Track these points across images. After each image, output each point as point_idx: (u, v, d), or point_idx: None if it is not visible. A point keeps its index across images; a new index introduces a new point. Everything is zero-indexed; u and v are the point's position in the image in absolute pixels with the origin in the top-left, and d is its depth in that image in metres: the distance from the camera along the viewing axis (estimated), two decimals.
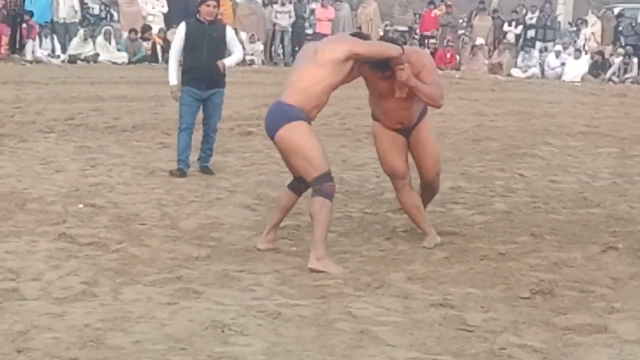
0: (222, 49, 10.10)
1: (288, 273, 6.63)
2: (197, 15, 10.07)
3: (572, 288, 6.42)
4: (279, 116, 6.85)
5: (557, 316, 5.82)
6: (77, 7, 24.53)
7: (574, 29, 28.81)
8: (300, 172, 6.97)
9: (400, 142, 7.48)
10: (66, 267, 6.52)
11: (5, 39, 22.98)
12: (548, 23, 27.95)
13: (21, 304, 5.68)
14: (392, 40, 7.61)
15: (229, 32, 10.27)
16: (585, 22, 28.60)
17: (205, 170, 10.18)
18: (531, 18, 28.38)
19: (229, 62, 10.10)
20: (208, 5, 9.93)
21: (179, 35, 10.06)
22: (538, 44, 27.39)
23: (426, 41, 26.93)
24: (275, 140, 6.93)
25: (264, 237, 7.31)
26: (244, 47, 25.35)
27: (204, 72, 9.87)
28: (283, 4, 27.56)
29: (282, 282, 6.40)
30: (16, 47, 23.44)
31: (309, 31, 27.78)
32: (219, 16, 26.53)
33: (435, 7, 28.25)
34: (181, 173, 9.95)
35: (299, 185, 7.19)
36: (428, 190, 7.87)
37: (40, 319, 5.41)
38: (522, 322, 5.68)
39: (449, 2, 29.13)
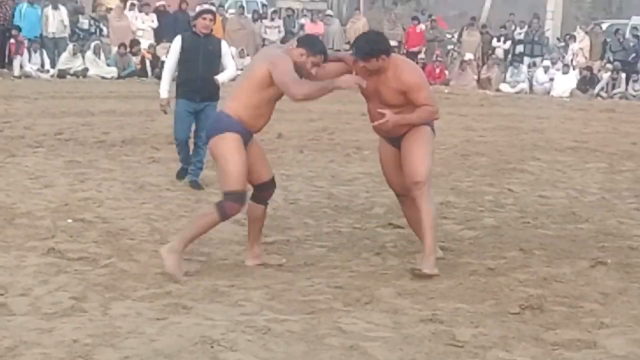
0: (217, 62, 10.15)
1: (277, 288, 6.63)
2: (193, 29, 10.14)
3: (562, 303, 6.42)
4: (215, 125, 6.96)
5: (546, 331, 5.82)
6: (67, 21, 24.51)
7: (562, 44, 28.91)
8: (219, 182, 7.02)
9: (397, 157, 7.35)
10: (55, 282, 6.50)
11: None
12: (536, 38, 28.04)
13: (10, 320, 5.66)
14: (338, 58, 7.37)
15: (224, 46, 10.31)
16: (574, 37, 28.71)
17: (195, 184, 10.19)
18: (520, 33, 28.47)
19: (222, 78, 10.14)
20: (204, 19, 10.01)
21: (174, 49, 10.09)
22: (526, 60, 27.46)
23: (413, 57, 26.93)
24: (209, 147, 7.05)
25: (249, 253, 7.33)
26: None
27: (199, 85, 9.92)
28: (272, 19, 27.64)
29: (272, 298, 6.39)
30: (5, 62, 23.40)
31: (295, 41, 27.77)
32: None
33: (419, 23, 28.30)
34: (182, 176, 10.30)
35: (260, 194, 7.21)
36: (418, 209, 7.26)
37: (29, 335, 5.40)
38: (511, 337, 5.68)
39: (434, 17, 29.26)
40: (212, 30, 10.19)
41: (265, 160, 7.28)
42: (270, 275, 7.03)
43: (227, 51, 10.37)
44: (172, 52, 10.18)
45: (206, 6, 10.25)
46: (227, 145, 6.80)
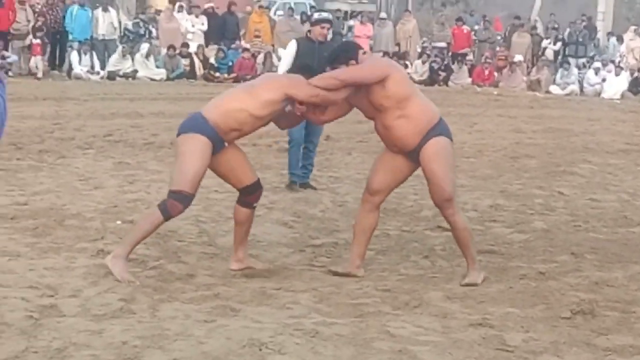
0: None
1: (325, 291, 6.60)
2: (308, 34, 10.16)
3: (614, 308, 6.34)
4: (188, 123, 6.79)
5: (598, 337, 5.75)
6: (116, 24, 24.71)
7: (614, 45, 28.63)
8: (171, 177, 6.88)
9: (396, 162, 7.08)
10: (104, 283, 6.52)
11: (45, 56, 23.19)
12: (580, 39, 27.76)
13: (60, 321, 5.68)
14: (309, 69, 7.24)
15: None
16: (621, 38, 28.41)
17: (307, 185, 10.46)
18: (570, 35, 28.23)
19: None
20: (323, 28, 9.98)
21: (289, 52, 10.18)
22: (572, 60, 27.21)
23: (459, 58, 26.74)
24: (175, 141, 6.96)
25: (233, 256, 7.12)
26: None
27: None
28: None
29: (320, 300, 6.37)
30: (56, 64, 23.63)
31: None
32: (257, 32, 26.71)
33: (464, 24, 28.11)
34: (294, 185, 10.30)
35: (245, 198, 7.05)
36: (452, 229, 7.16)
37: (78, 336, 5.41)
38: (562, 342, 5.61)
39: (488, 18, 29.06)
40: (326, 37, 10.12)
41: (247, 163, 7.04)
42: (318, 277, 7.01)
43: None
44: (286, 56, 10.26)
45: (325, 14, 10.22)
46: (194, 146, 6.65)
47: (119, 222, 8.36)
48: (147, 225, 6.76)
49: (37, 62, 22.33)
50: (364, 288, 6.72)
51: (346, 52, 7.12)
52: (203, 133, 6.66)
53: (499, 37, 29.27)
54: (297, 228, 8.59)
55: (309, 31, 10.27)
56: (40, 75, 22.22)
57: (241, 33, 27.12)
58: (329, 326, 5.76)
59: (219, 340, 5.43)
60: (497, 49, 27.58)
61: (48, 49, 23.42)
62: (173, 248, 7.53)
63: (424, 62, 25.82)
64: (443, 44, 27.63)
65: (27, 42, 22.84)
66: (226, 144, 6.81)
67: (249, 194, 7.01)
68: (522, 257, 7.77)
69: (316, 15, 10.54)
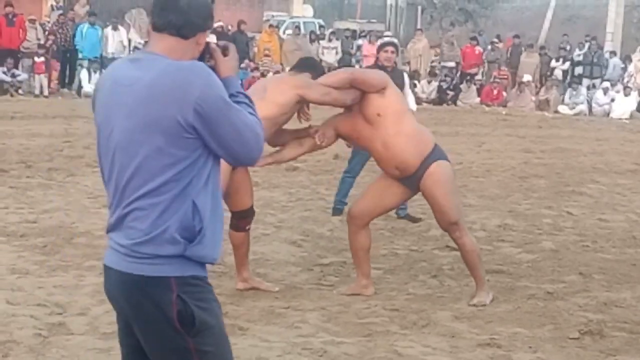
0: None
1: (334, 310, 6.61)
2: (377, 61, 9.75)
3: (622, 329, 6.33)
4: None
5: (606, 357, 5.76)
6: (126, 42, 24.80)
7: (623, 65, 28.63)
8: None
9: (389, 189, 7.03)
10: None
11: (55, 74, 23.29)
12: (595, 60, 27.79)
13: (68, 339, 5.71)
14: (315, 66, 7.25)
15: (406, 78, 10.16)
16: (630, 58, 28.42)
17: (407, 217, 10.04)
18: (579, 55, 28.25)
19: (412, 107, 9.90)
20: (386, 51, 9.59)
21: None
22: (586, 81, 27.24)
23: (467, 78, 26.73)
24: None
25: (237, 277, 7.15)
26: None
27: None
28: (330, 40, 27.70)
29: (328, 320, 6.37)
30: (65, 82, 23.72)
31: (357, 67, 27.88)
32: (267, 52, 26.70)
33: (478, 44, 28.14)
34: (339, 213, 9.89)
35: (237, 222, 7.04)
36: (460, 250, 7.15)
37: (87, 354, 5.44)
38: None
39: (495, 40, 29.08)
40: (395, 63, 9.86)
41: (250, 189, 7.04)
42: (326, 297, 7.01)
43: (408, 82, 10.22)
44: None
45: (387, 38, 9.83)
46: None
47: None
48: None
49: (42, 80, 22.39)
50: (372, 307, 6.72)
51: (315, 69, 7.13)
52: None
53: (500, 57, 29.24)
54: (305, 247, 8.60)
55: (377, 58, 9.85)
56: (46, 93, 22.27)
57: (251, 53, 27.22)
58: (337, 345, 5.78)
59: None
60: (502, 68, 27.55)
61: (58, 67, 23.45)
62: None
63: (429, 82, 25.82)
64: (452, 64, 27.65)
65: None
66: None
67: (242, 218, 7.03)
68: (530, 277, 7.77)
69: (380, 40, 10.21)
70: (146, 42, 25.19)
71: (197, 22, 3.32)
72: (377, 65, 9.70)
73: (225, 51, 3.44)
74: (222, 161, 6.44)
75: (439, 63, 28.17)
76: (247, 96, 3.37)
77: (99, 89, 3.41)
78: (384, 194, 7.06)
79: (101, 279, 6.87)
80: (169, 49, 3.29)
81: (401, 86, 9.62)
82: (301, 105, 6.83)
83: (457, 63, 27.58)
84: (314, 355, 5.55)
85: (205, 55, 3.41)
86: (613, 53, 29.63)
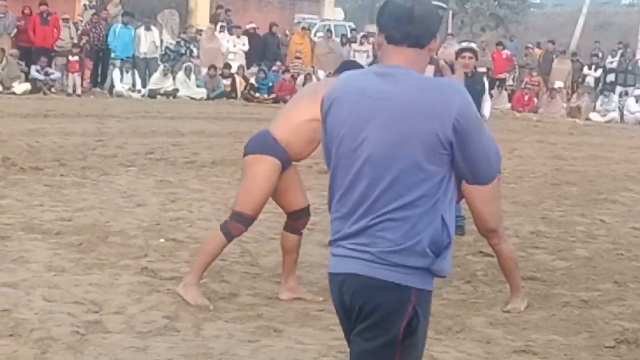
0: (480, 102, 9.69)
1: None
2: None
3: None
4: (258, 143, 6.61)
5: None
6: (158, 42, 24.90)
7: None
8: (236, 197, 6.81)
9: None
10: (148, 301, 6.57)
11: (87, 73, 23.42)
12: (629, 67, 27.66)
13: (105, 337, 5.73)
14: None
15: (486, 84, 10.09)
16: None
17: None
18: (611, 62, 28.13)
19: (487, 112, 9.92)
20: (463, 57, 9.33)
21: None
22: (618, 89, 27.12)
23: (497, 83, 26.60)
24: (243, 161, 6.75)
25: (282, 285, 7.02)
26: None
27: None
28: (362, 43, 27.69)
29: None
30: (98, 81, 23.84)
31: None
32: (298, 54, 26.83)
33: (504, 48, 28.03)
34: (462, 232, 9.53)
35: (292, 223, 6.96)
36: (497, 257, 7.13)
37: (124, 353, 5.47)
38: None
39: (530, 45, 28.96)
40: (475, 68, 9.76)
41: (301, 187, 6.97)
42: None
43: (487, 87, 10.14)
44: None
45: (465, 44, 9.70)
46: (263, 169, 6.53)
47: (162, 240, 8.41)
48: (212, 249, 6.71)
49: (75, 79, 22.52)
50: None
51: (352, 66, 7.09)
52: (274, 155, 6.54)
53: (531, 62, 29.13)
54: None
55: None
56: (79, 92, 22.41)
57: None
58: None
59: None
60: (533, 74, 27.44)
61: (91, 67, 23.58)
62: (216, 267, 7.55)
63: None
64: (483, 69, 27.57)
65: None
66: (292, 165, 6.74)
67: (297, 219, 6.94)
68: (565, 284, 7.74)
69: (457, 46, 10.12)
70: (177, 42, 25.36)
71: (433, 30, 3.41)
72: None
73: (452, 68, 3.55)
74: (268, 160, 6.44)
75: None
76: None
77: (337, 98, 3.45)
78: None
79: (136, 279, 7.00)
80: (411, 60, 3.38)
81: (481, 92, 9.59)
82: None
83: (488, 69, 27.51)
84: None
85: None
86: None
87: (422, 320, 3.34)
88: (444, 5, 4.03)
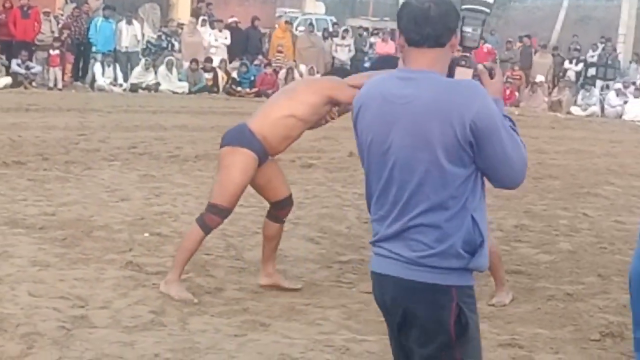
0: None
1: (354, 308, 6.62)
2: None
3: None
4: (235, 136, 6.66)
5: None
6: (140, 36, 24.83)
7: (635, 67, 28.63)
8: (212, 189, 6.87)
9: None
10: (134, 295, 6.56)
11: (69, 67, 23.33)
12: (609, 62, 27.78)
13: (91, 332, 5.73)
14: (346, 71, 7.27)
15: None
16: None
17: None
18: (592, 56, 28.23)
19: None
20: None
21: None
22: (598, 83, 27.22)
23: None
24: (219, 153, 6.82)
25: (262, 271, 7.08)
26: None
27: None
28: (343, 38, 27.68)
29: (349, 317, 6.39)
30: (79, 75, 23.76)
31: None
32: (280, 48, 26.74)
33: (485, 42, 28.06)
34: None
35: (276, 212, 7.02)
36: None
37: (110, 348, 5.46)
38: None
39: (510, 39, 29.02)
40: None
41: (283, 177, 7.04)
42: (346, 294, 7.02)
43: None
44: None
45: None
46: (239, 160, 6.57)
47: (146, 234, 8.40)
48: (190, 244, 6.72)
49: (56, 73, 22.44)
50: None
51: (387, 63, 7.13)
52: (250, 148, 6.59)
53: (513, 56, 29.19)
54: (323, 244, 8.61)
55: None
56: (60, 86, 22.33)
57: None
58: (359, 343, 5.79)
59: (250, 355, 5.47)
60: (515, 68, 27.50)
61: (72, 60, 23.49)
62: (201, 262, 7.55)
63: None
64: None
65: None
66: (270, 158, 6.80)
67: (281, 209, 7.00)
68: (549, 277, 7.77)
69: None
70: (158, 35, 25.26)
71: (451, 27, 3.45)
72: None
73: (491, 73, 3.58)
74: (244, 153, 6.49)
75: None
76: (511, 119, 3.46)
77: (364, 104, 3.49)
78: None
79: (121, 273, 6.99)
80: (432, 61, 3.41)
81: None
82: (330, 106, 6.84)
83: None
84: (337, 353, 5.57)
85: (452, 70, 3.55)
86: (635, 55, 29.58)
87: (470, 315, 3.39)
88: (487, 10, 4.10)
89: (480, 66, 3.60)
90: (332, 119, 7.06)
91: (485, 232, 3.42)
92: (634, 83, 26.75)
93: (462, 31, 3.91)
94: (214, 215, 6.65)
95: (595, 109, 26.02)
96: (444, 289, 3.36)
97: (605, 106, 26.25)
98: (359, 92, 3.57)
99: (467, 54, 3.89)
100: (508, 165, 3.37)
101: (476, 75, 3.59)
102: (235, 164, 6.59)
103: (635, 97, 25.83)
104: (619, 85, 26.57)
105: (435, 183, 3.32)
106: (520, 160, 3.40)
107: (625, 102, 25.98)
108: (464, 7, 4.04)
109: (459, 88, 3.35)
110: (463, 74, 3.60)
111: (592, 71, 27.78)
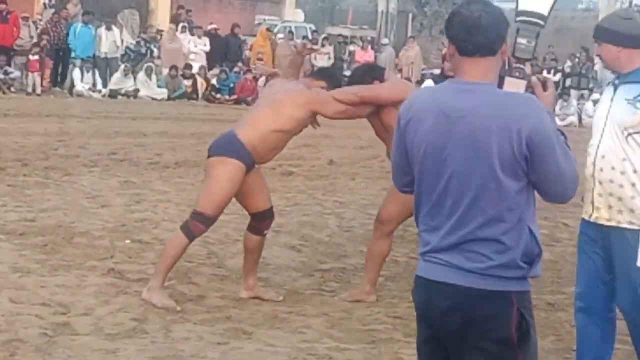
0: None
1: (336, 316, 6.62)
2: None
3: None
4: (223, 145, 6.67)
5: None
6: (119, 42, 24.78)
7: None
8: (197, 196, 6.87)
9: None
10: (116, 302, 6.54)
11: (48, 72, 23.25)
12: (583, 71, 27.93)
13: (73, 339, 5.70)
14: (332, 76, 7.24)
15: None
16: None
17: None
18: (569, 66, 28.39)
19: None
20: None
21: None
22: (574, 92, 27.37)
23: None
24: (207, 162, 6.79)
25: (242, 284, 7.04)
26: None
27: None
28: (323, 45, 27.71)
29: (331, 326, 6.38)
30: (58, 80, 23.69)
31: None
32: (260, 55, 26.71)
33: None
34: None
35: (257, 224, 6.99)
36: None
37: (93, 355, 5.44)
38: None
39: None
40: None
41: (265, 189, 7.03)
42: (328, 302, 7.02)
43: None
44: None
45: None
46: (227, 170, 6.57)
47: (127, 241, 8.37)
48: (174, 251, 6.70)
49: (35, 78, 22.36)
50: (375, 314, 6.73)
51: (370, 72, 7.15)
52: (239, 158, 6.59)
53: None
54: (305, 252, 8.60)
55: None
56: (38, 91, 22.26)
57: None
58: (342, 352, 5.79)
59: None
60: None
61: (51, 65, 23.41)
62: (183, 269, 7.53)
63: None
64: (438, 71, 27.61)
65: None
66: (256, 166, 6.80)
67: (261, 220, 6.98)
68: (531, 287, 7.75)
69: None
70: (137, 42, 25.20)
71: (502, 34, 3.42)
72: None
73: (544, 85, 3.62)
74: (233, 163, 6.51)
75: (428, 69, 28.18)
76: (563, 133, 3.50)
77: (415, 117, 3.46)
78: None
79: (103, 280, 6.96)
80: (486, 70, 3.41)
81: None
82: (315, 116, 6.87)
83: (442, 70, 27.56)
84: None
85: (502, 81, 3.60)
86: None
87: (530, 320, 3.44)
88: (542, 22, 4.18)
89: (534, 78, 3.61)
90: (315, 128, 7.09)
91: (541, 243, 3.49)
92: None
93: (516, 42, 3.93)
94: (199, 222, 6.65)
95: (573, 119, 26.15)
96: (504, 295, 3.36)
97: (583, 116, 26.37)
98: (407, 103, 3.55)
99: (521, 66, 3.92)
100: (560, 179, 3.40)
101: (529, 87, 3.61)
102: (224, 174, 6.58)
103: None
104: (597, 96, 26.70)
105: (492, 196, 3.33)
106: (572, 175, 3.43)
107: None
108: (518, 18, 4.06)
109: (518, 102, 3.36)
110: (516, 85, 3.62)
111: (568, 81, 27.94)
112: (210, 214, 6.64)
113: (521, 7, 4.08)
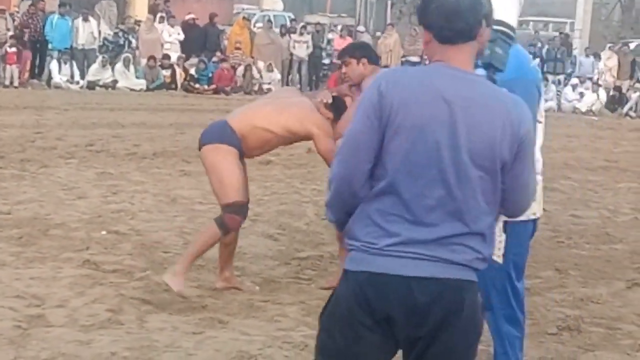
0: None
1: (313, 304, 6.60)
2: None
3: (599, 325, 6.39)
4: (215, 133, 6.64)
5: (584, 353, 5.81)
6: (96, 33, 24.67)
7: (591, 61, 28.89)
8: (214, 194, 6.77)
9: None
10: (91, 294, 6.51)
11: (29, 64, 23.14)
12: (558, 55, 28.00)
13: (48, 331, 5.68)
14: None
15: None
16: (598, 56, 28.70)
17: None
18: (548, 51, 28.45)
19: None
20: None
21: None
22: (550, 77, 27.42)
23: None
24: (200, 153, 6.74)
25: (219, 275, 6.96)
26: (261, 76, 25.54)
27: None
28: (301, 34, 27.66)
29: (308, 314, 6.37)
30: (35, 72, 23.58)
31: (326, 61, 27.90)
32: (238, 44, 26.66)
33: None
34: None
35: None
36: None
37: (67, 347, 5.42)
38: (550, 358, 5.69)
39: None
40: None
41: (246, 183, 6.84)
42: (305, 291, 7.01)
43: None
44: None
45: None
46: (223, 156, 6.54)
47: (104, 232, 8.34)
48: (206, 241, 6.62)
49: (13, 71, 22.25)
50: None
51: (362, 50, 7.03)
52: (230, 144, 6.56)
53: None
54: (282, 241, 8.59)
55: None
56: (16, 84, 22.15)
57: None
58: None
59: (208, 352, 5.45)
60: None
61: (30, 58, 23.30)
62: (159, 259, 7.51)
63: None
64: (416, 59, 27.59)
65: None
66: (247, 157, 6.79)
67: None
68: None
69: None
70: (115, 33, 25.10)
71: (479, 19, 3.32)
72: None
73: None
74: (225, 149, 6.45)
75: (404, 57, 28.09)
76: None
77: (405, 98, 3.23)
78: None
79: (78, 272, 6.93)
80: (469, 56, 3.32)
81: None
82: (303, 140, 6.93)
83: (421, 57, 27.58)
84: (295, 349, 5.56)
85: None
86: (589, 49, 29.87)
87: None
88: (513, 35, 4.23)
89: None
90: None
91: None
92: (590, 78, 27.00)
93: (492, 51, 3.92)
94: (234, 214, 6.55)
95: (552, 103, 26.22)
96: (474, 285, 3.29)
97: (562, 101, 26.47)
98: (388, 81, 3.27)
99: (494, 76, 3.91)
100: (525, 191, 3.37)
101: None
102: (222, 159, 6.54)
103: (594, 91, 26.08)
104: (575, 81, 26.79)
105: (486, 190, 3.24)
106: (533, 190, 3.42)
107: (582, 96, 26.24)
108: (495, 27, 3.99)
109: (516, 103, 3.32)
110: None
111: (546, 67, 28.02)
112: (236, 199, 6.53)
113: (496, 16, 4.09)
